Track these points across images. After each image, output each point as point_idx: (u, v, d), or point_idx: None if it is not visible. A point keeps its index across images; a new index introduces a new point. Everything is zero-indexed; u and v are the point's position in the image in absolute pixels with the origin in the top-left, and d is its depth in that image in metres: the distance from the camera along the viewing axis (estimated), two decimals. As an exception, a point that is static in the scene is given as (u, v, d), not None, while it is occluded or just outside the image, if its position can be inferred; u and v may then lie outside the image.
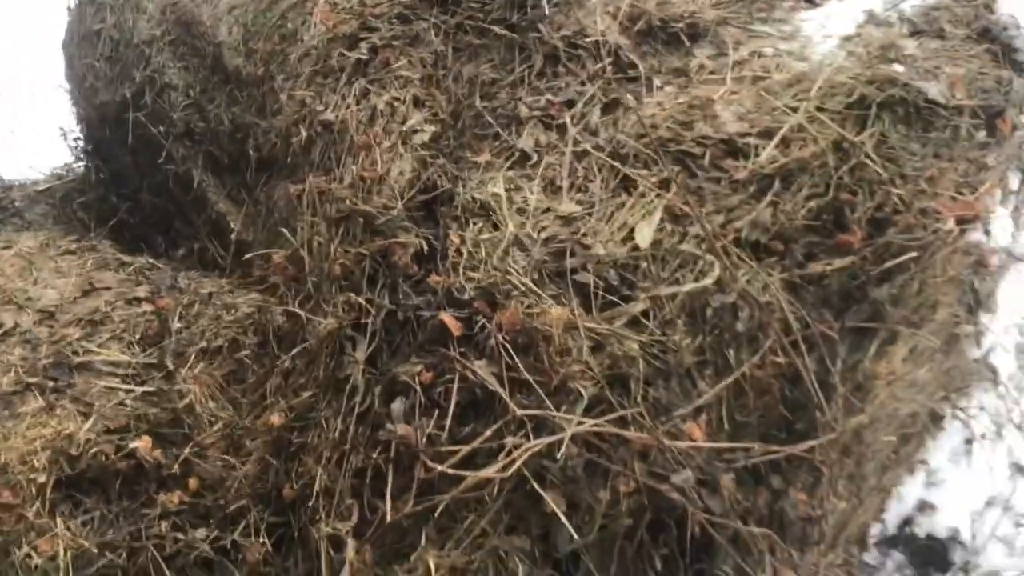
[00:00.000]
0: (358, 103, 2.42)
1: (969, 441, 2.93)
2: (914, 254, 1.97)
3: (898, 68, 2.21)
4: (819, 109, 2.15)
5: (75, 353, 2.27)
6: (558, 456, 1.78)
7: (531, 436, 1.80)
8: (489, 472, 1.78)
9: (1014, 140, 2.22)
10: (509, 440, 1.80)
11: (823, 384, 1.96)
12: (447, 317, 1.96)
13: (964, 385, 2.73)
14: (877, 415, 2.20)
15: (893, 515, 2.99)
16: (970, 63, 2.24)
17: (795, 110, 2.17)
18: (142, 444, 2.11)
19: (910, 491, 3.00)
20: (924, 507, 2.96)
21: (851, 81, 2.19)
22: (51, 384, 2.19)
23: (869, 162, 2.04)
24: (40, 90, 4.25)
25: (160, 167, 3.09)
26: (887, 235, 1.98)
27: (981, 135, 2.15)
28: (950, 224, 2.00)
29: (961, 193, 2.08)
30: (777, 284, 1.97)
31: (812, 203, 2.04)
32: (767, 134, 2.17)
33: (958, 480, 3.00)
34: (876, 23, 2.43)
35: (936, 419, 2.79)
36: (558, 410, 1.82)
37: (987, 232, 2.17)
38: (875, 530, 2.99)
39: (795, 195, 2.07)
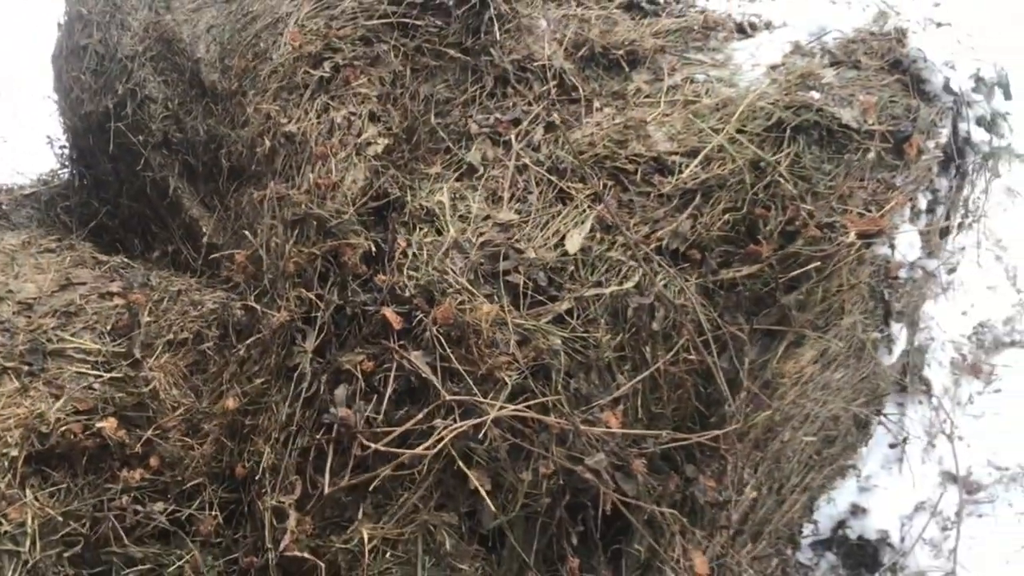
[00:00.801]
0: (319, 117, 2.58)
1: (893, 446, 3.07)
2: (818, 264, 2.14)
3: (815, 95, 2.39)
4: (740, 131, 2.34)
5: (50, 341, 2.40)
6: (483, 438, 1.94)
7: (459, 420, 1.95)
8: (419, 451, 1.93)
9: (921, 163, 2.39)
10: (439, 422, 1.95)
11: (732, 381, 2.12)
12: (388, 312, 2.10)
13: (884, 392, 2.87)
14: (790, 413, 2.36)
15: (827, 518, 3.13)
16: (882, 92, 2.42)
17: (719, 132, 2.36)
18: (108, 424, 2.24)
19: (843, 495, 3.14)
20: (856, 511, 3.09)
21: (771, 106, 2.37)
22: (26, 368, 2.32)
23: (782, 180, 2.22)
24: (40, 90, 4.31)
25: (139, 174, 3.22)
26: (794, 246, 2.15)
27: (890, 158, 2.32)
28: (852, 237, 2.17)
29: (869, 210, 2.26)
30: (692, 288, 2.14)
31: (728, 216, 2.22)
32: (693, 153, 2.35)
33: (889, 486, 3.14)
34: (801, 53, 2.62)
35: (862, 425, 2.94)
36: (485, 397, 1.97)
37: (892, 246, 2.33)
38: (809, 531, 3.12)
39: (713, 208, 2.24)
